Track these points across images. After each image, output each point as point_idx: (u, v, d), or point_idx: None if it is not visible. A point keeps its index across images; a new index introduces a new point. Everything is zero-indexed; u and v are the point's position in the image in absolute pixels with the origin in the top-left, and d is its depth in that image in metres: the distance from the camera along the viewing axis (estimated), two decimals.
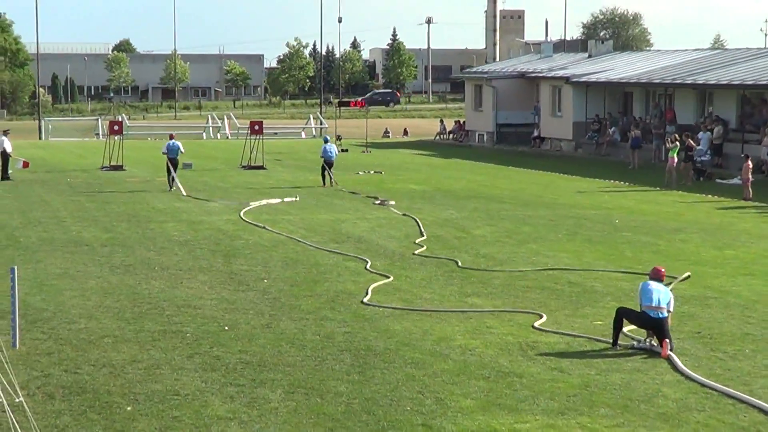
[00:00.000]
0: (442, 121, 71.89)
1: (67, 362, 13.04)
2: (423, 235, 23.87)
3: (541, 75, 58.29)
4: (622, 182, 37.75)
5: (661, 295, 13.83)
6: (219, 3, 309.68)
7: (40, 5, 79.80)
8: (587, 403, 11.52)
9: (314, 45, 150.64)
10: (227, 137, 68.92)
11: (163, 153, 35.31)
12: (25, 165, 40.04)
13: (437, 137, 67.61)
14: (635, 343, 13.95)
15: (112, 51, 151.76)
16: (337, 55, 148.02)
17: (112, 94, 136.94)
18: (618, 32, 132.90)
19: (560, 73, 56.55)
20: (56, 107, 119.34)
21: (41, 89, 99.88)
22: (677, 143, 37.01)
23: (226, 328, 14.87)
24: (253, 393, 11.84)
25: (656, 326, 13.63)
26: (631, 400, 11.67)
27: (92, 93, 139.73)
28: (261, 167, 42.13)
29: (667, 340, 13.48)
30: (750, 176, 32.54)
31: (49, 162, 46.12)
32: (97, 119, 73.74)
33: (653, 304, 13.70)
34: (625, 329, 14.15)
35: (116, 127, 42.19)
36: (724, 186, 36.26)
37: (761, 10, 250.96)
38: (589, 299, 17.03)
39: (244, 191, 33.84)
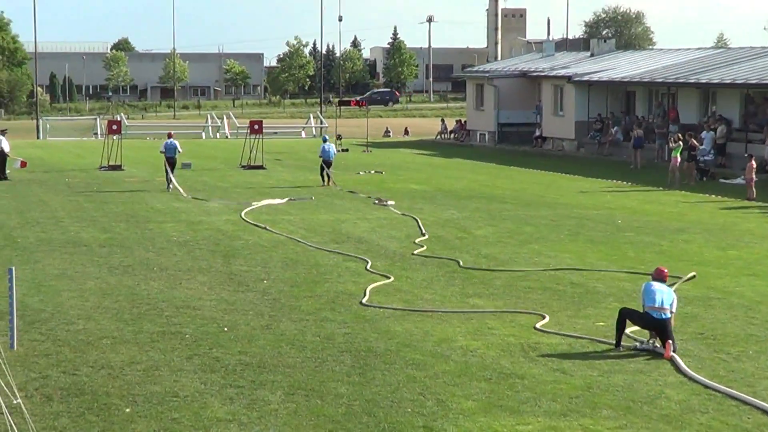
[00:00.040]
0: (443, 121, 71.74)
1: (65, 363, 12.97)
2: (424, 235, 23.78)
3: (543, 74, 58.14)
4: (624, 182, 37.66)
5: (664, 295, 13.76)
6: (218, 1, 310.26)
7: (38, 4, 79.94)
8: (590, 405, 11.46)
9: (314, 44, 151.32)
10: (227, 137, 68.84)
11: (161, 152, 35.20)
12: (23, 165, 39.99)
13: (438, 137, 67.50)
14: (638, 344, 13.87)
15: (111, 50, 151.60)
16: (338, 54, 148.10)
17: (110, 94, 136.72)
18: (620, 31, 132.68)
19: (562, 72, 56.41)
20: (54, 106, 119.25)
21: (39, 88, 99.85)
22: (680, 143, 36.91)
23: (226, 329, 14.79)
24: (253, 394, 11.77)
25: (659, 327, 13.57)
26: (634, 401, 11.60)
27: (91, 92, 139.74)
28: (261, 167, 42.06)
29: (670, 341, 13.41)
30: (753, 176, 32.44)
31: (47, 162, 46.02)
32: (96, 119, 73.55)
33: (656, 305, 13.63)
34: (628, 330, 14.09)
35: (115, 127, 42.04)
36: (728, 186, 36.17)
37: (765, 8, 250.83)
38: (592, 300, 16.95)
39: (244, 191, 33.77)
